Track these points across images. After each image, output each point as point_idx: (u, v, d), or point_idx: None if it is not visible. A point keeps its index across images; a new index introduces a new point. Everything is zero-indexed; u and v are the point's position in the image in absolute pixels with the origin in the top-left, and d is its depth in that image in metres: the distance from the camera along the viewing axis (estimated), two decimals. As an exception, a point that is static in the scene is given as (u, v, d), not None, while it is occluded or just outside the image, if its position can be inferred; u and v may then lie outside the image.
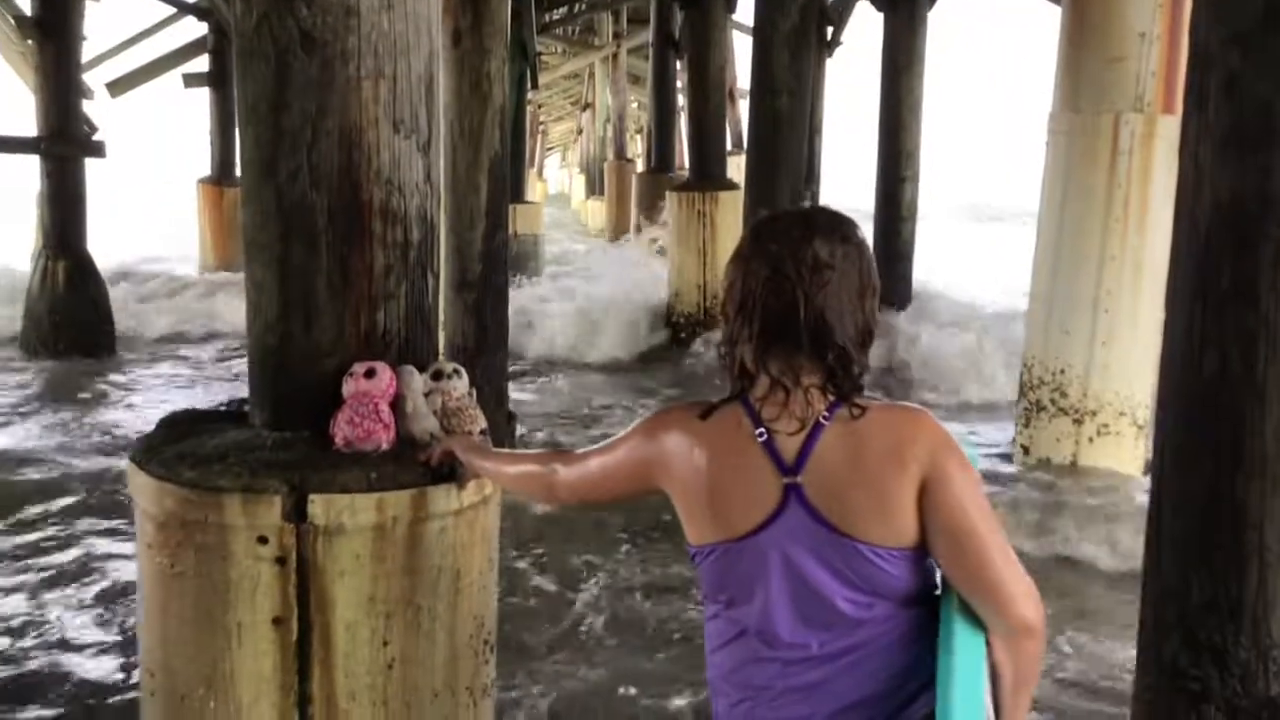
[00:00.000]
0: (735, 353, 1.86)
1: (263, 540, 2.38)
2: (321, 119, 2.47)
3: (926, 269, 12.88)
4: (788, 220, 1.90)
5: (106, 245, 12.85)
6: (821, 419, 1.81)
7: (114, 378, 10.34)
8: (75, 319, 10.99)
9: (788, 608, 1.85)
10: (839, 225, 1.87)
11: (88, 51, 12.62)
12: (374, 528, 2.42)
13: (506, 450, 2.51)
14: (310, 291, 2.53)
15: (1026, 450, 7.51)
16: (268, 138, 2.50)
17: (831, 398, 1.82)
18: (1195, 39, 2.62)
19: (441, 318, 8.17)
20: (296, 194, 2.50)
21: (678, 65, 17.11)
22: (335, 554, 2.41)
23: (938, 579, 1.90)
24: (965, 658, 1.81)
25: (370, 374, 2.51)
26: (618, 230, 22.51)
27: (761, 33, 7.93)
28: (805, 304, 1.78)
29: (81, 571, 5.53)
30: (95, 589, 5.30)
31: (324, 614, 2.42)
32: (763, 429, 1.84)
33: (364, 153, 2.50)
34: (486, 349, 7.40)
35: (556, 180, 65.02)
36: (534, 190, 33.48)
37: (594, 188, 32.38)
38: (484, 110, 7.02)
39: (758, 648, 1.89)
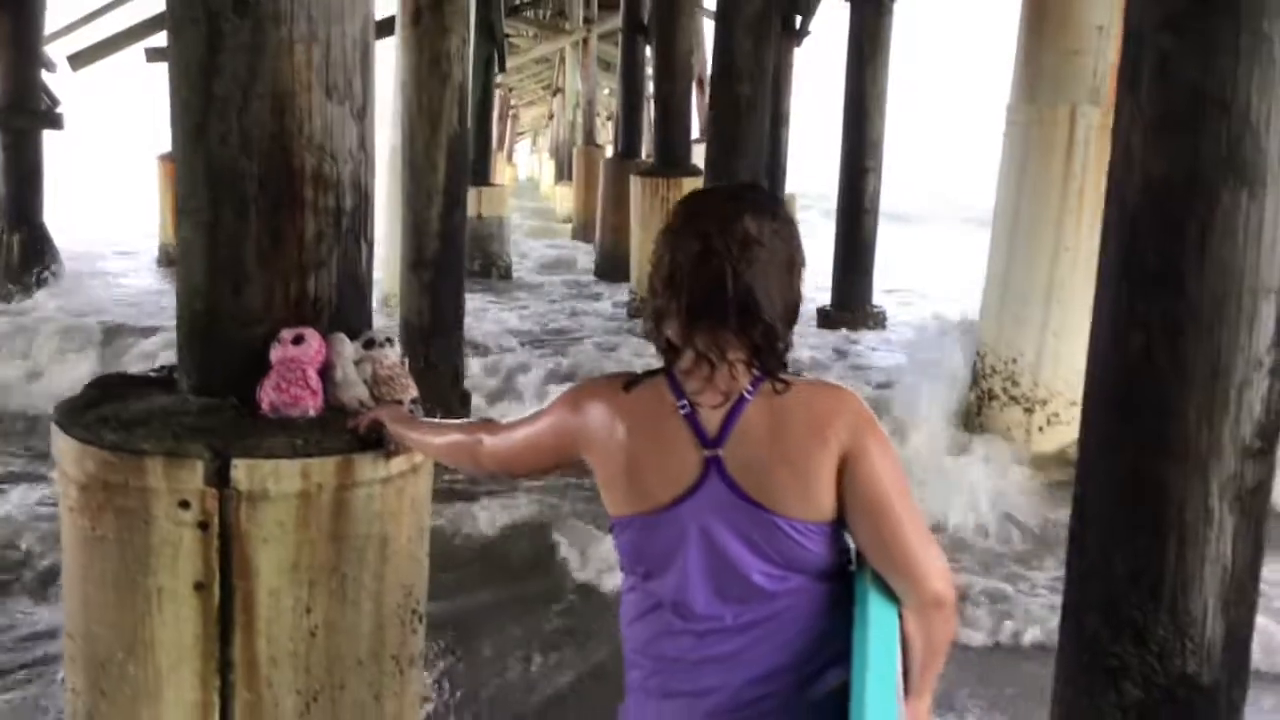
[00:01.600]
0: (662, 326, 1.87)
1: (184, 505, 2.37)
2: (253, 83, 2.45)
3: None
4: (719, 196, 1.92)
5: (68, 221, 12.71)
6: (745, 394, 1.83)
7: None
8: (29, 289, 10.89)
9: (703, 580, 1.86)
10: (769, 203, 1.89)
11: (51, 24, 12.47)
12: (299, 494, 2.41)
13: (434, 420, 2.50)
14: (239, 257, 2.51)
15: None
16: (198, 102, 2.47)
17: (756, 373, 1.84)
18: (1129, 23, 2.65)
19: (397, 295, 8.15)
20: (227, 159, 2.48)
21: (647, 51, 17.08)
22: (259, 520, 2.40)
23: (853, 554, 1.92)
24: (878, 630, 1.83)
25: (299, 340, 2.49)
26: (585, 217, 22.46)
27: (724, 18, 7.91)
28: (733, 280, 1.79)
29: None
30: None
31: (246, 580, 2.41)
32: (685, 402, 1.85)
33: (295, 118, 2.48)
34: (442, 328, 7.39)
35: (527, 165, 64.77)
36: (503, 174, 33.34)
37: (563, 173, 32.29)
38: (443, 89, 6.99)
39: (672, 620, 1.90)
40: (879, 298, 12.55)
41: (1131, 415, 2.59)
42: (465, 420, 2.33)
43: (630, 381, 1.92)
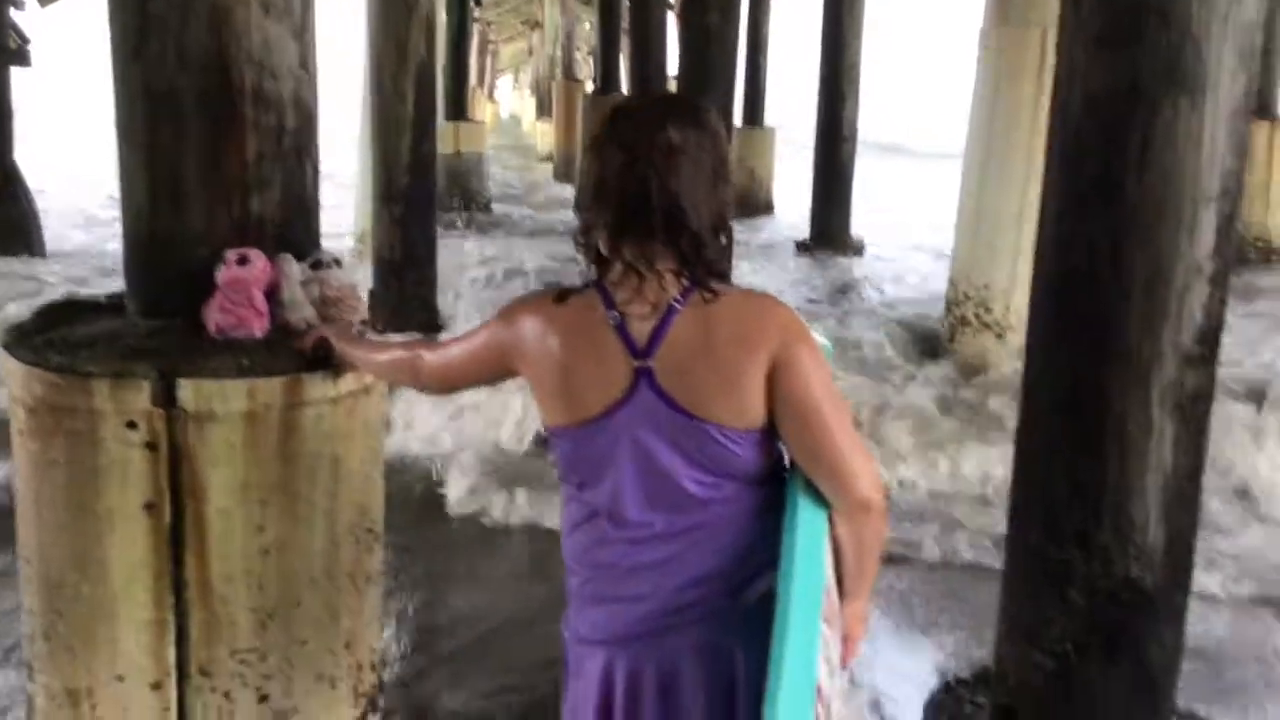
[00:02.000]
0: (591, 239, 1.87)
1: (132, 425, 2.37)
2: (189, 0, 2.42)
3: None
4: (643, 107, 1.93)
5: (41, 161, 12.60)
6: (674, 303, 1.83)
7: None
8: (3, 226, 10.83)
9: (636, 489, 1.88)
10: (694, 112, 1.88)
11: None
12: (246, 414, 2.42)
13: (378, 338, 2.51)
14: (180, 177, 2.50)
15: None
16: (135, 22, 2.45)
17: (685, 283, 1.84)
18: (1072, -65, 2.63)
19: (365, 228, 8.13)
20: (165, 78, 2.46)
21: (625, -18, 16.89)
22: (207, 440, 2.41)
23: (786, 460, 1.95)
24: (807, 533, 1.86)
25: (243, 261, 2.49)
26: (566, 153, 22.31)
27: (693, -55, 7.83)
28: (658, 189, 1.79)
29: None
30: None
31: (197, 500, 2.42)
32: (616, 313, 1.85)
33: (234, 34, 2.46)
34: (415, 261, 7.38)
35: (509, 102, 64.15)
36: (484, 112, 33.05)
37: (544, 109, 32.00)
38: (409, 16, 6.93)
39: (607, 528, 1.93)
40: (858, 228, 12.56)
41: (1074, 325, 2.61)
42: (406, 338, 2.35)
43: (562, 294, 1.92)
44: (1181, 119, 2.45)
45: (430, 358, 2.20)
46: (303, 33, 2.58)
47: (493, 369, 2.07)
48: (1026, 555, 2.77)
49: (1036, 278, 2.74)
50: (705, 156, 1.83)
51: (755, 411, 1.83)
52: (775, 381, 1.81)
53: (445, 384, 2.23)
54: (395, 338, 2.41)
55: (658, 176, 1.79)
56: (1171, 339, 2.53)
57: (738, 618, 1.89)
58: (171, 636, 2.47)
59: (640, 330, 1.84)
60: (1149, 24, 2.45)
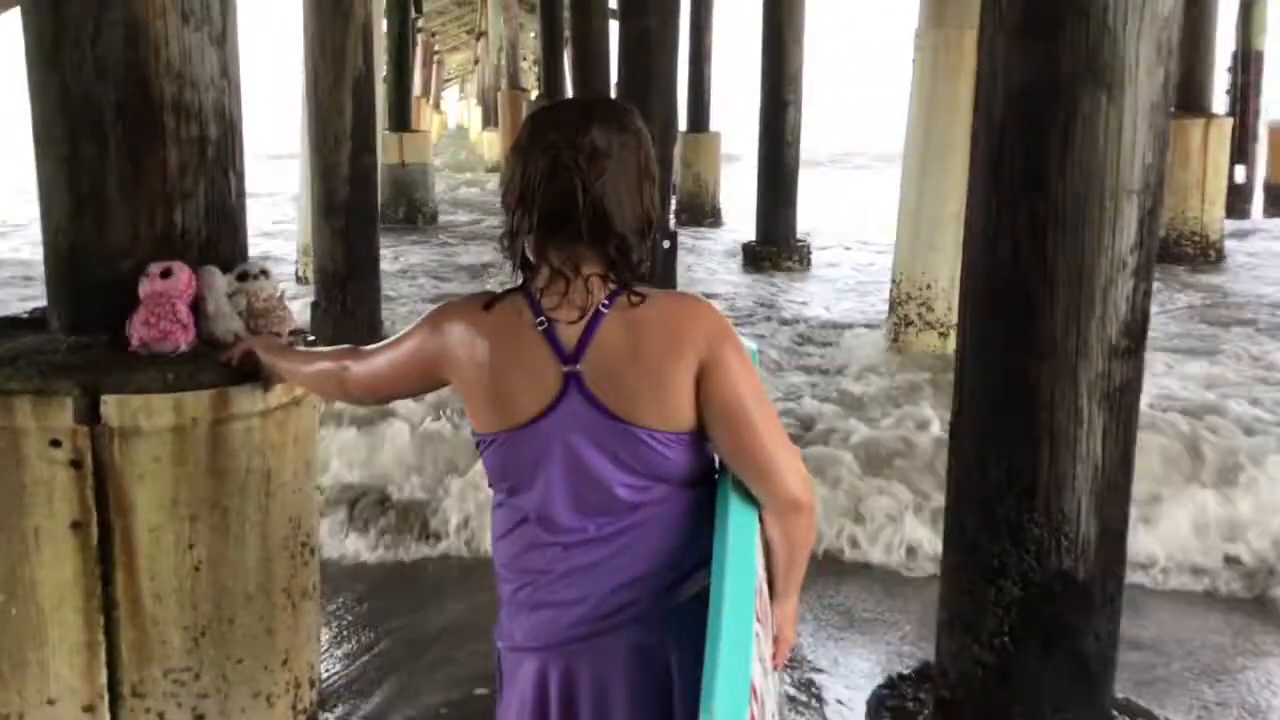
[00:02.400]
0: (516, 244, 1.86)
1: (55, 443, 2.34)
2: (105, 9, 2.39)
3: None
4: (566, 110, 1.91)
5: None
6: (601, 307, 1.82)
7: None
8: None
9: (567, 493, 1.87)
10: (617, 114, 1.87)
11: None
12: (172, 429, 2.39)
13: (304, 349, 2.48)
14: (101, 190, 2.47)
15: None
16: (50, 28, 2.42)
17: (612, 286, 1.84)
18: (991, -70, 2.66)
19: (309, 242, 8.05)
20: (82, 88, 2.42)
21: (566, -10, 16.87)
22: (133, 456, 2.37)
23: (716, 462, 1.95)
24: (738, 534, 1.85)
25: (167, 274, 2.46)
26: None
27: (631, -51, 7.84)
28: (583, 193, 1.78)
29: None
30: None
31: (124, 517, 2.39)
32: (543, 318, 1.84)
33: (151, 44, 2.43)
34: (357, 273, 7.32)
35: (456, 112, 63.91)
36: (429, 121, 32.89)
37: (490, 119, 31.94)
38: (345, 26, 6.88)
39: (538, 533, 1.92)
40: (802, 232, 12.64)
41: (1002, 318, 2.64)
42: (333, 348, 2.32)
43: (490, 301, 1.90)
44: (1101, 113, 2.48)
45: (356, 368, 2.17)
46: (224, 41, 2.55)
47: (420, 379, 2.04)
48: (962, 549, 2.79)
49: (965, 273, 2.77)
50: (629, 157, 1.83)
51: (684, 414, 1.83)
52: (703, 383, 1.81)
53: (373, 395, 2.20)
54: (323, 348, 2.38)
55: (582, 180, 1.78)
56: (1098, 332, 2.56)
57: (671, 619, 1.88)
58: (103, 658, 2.44)
59: (568, 335, 1.83)
60: (1067, 18, 2.48)
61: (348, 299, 7.30)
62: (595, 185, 1.78)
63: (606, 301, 1.83)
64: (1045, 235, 2.54)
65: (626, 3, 7.74)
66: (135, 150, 2.46)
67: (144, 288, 2.45)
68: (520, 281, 1.90)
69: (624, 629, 1.88)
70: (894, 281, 7.73)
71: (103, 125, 2.43)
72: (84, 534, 2.38)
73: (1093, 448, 2.62)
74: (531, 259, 1.85)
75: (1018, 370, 2.62)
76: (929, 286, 7.40)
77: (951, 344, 7.38)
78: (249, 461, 2.50)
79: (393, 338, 2.09)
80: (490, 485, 2.01)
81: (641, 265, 1.85)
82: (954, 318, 7.29)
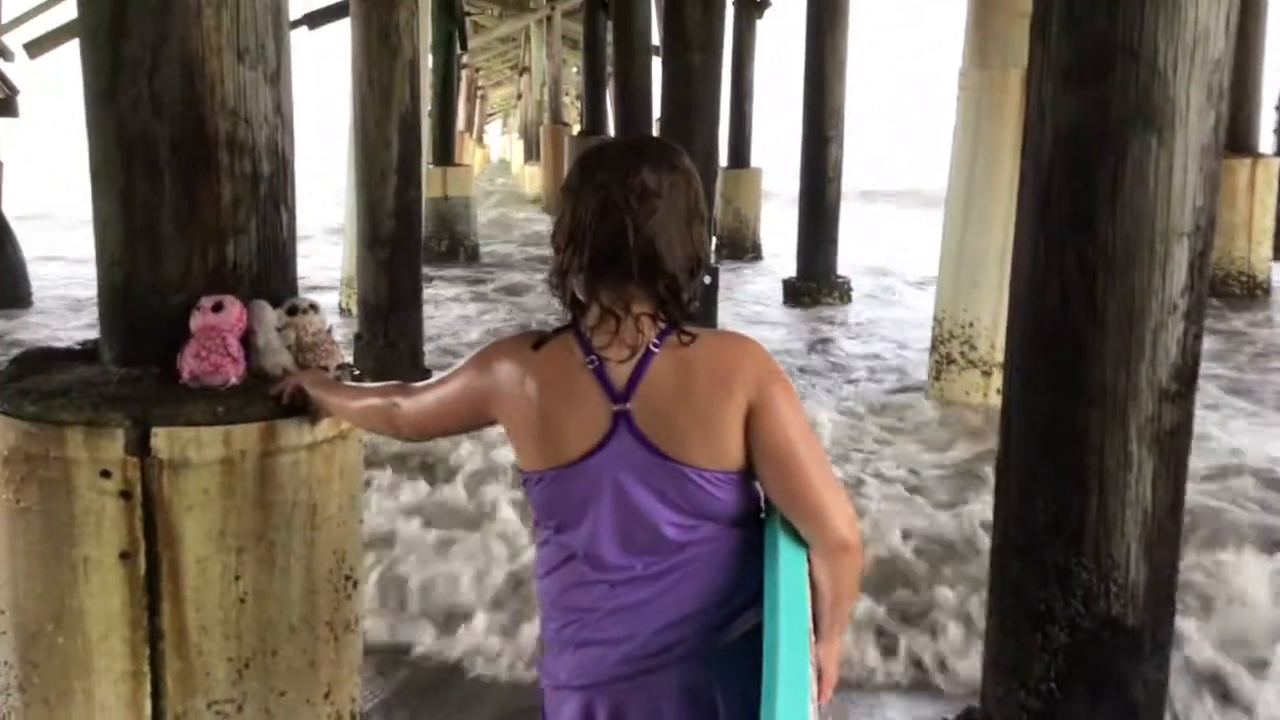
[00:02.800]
0: (567, 283, 1.87)
1: (106, 474, 2.36)
2: (162, 46, 2.43)
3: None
4: (616, 150, 1.92)
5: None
6: (651, 347, 1.84)
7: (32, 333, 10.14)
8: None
9: (614, 531, 1.88)
10: (667, 154, 1.88)
11: (7, 13, 12.33)
12: (221, 461, 2.41)
13: (353, 385, 2.50)
14: (155, 225, 2.50)
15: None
16: (107, 65, 2.46)
17: (661, 325, 1.85)
18: (1040, -26, 2.66)
19: (353, 274, 8.13)
20: (138, 124, 2.46)
21: (609, 27, 17.01)
22: (182, 488, 2.39)
23: (763, 501, 1.94)
24: (789, 574, 1.85)
25: (218, 308, 2.49)
26: (553, 196, 22.39)
27: (675, -13, 7.90)
28: (634, 232, 1.79)
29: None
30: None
31: (172, 548, 2.41)
32: (594, 357, 1.85)
33: (207, 82, 2.47)
34: (400, 305, 7.37)
35: (499, 146, 64.49)
36: (474, 156, 33.21)
37: (532, 153, 32.18)
38: (393, 63, 6.96)
39: (585, 571, 1.92)
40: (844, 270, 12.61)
41: (1050, 362, 2.62)
42: (382, 384, 2.33)
43: (539, 340, 1.92)
44: (1151, 156, 2.47)
45: (406, 405, 2.18)
46: (278, 79, 2.59)
47: (469, 417, 2.06)
48: (1008, 593, 2.76)
49: (1013, 315, 2.75)
50: (679, 197, 1.84)
51: (733, 454, 1.83)
52: (752, 424, 1.82)
53: (421, 433, 2.22)
54: (371, 384, 2.40)
55: (633, 219, 1.79)
56: (1148, 375, 2.53)
57: (718, 659, 1.87)
58: (148, 688, 2.45)
59: (618, 373, 1.84)
60: (1117, 61, 2.47)
61: (390, 331, 7.36)
62: (646, 225, 1.80)
63: (656, 341, 1.84)
64: (1095, 277, 2.53)
65: (671, 39, 7.79)
66: (190, 186, 2.49)
67: (196, 321, 2.48)
68: (570, 320, 1.91)
69: (671, 668, 1.88)
70: (936, 319, 7.68)
71: (158, 161, 2.47)
72: (132, 564, 2.40)
73: (1142, 492, 2.58)
74: (581, 298, 1.86)
75: (1066, 413, 2.59)
76: (971, 325, 7.35)
77: (994, 382, 7.38)
78: (295, 494, 2.51)
79: (441, 375, 2.11)
80: (536, 522, 2.02)
81: (691, 304, 1.86)
82: (997, 356, 7.30)
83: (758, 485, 1.92)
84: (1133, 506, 2.58)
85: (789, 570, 1.86)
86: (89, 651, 2.44)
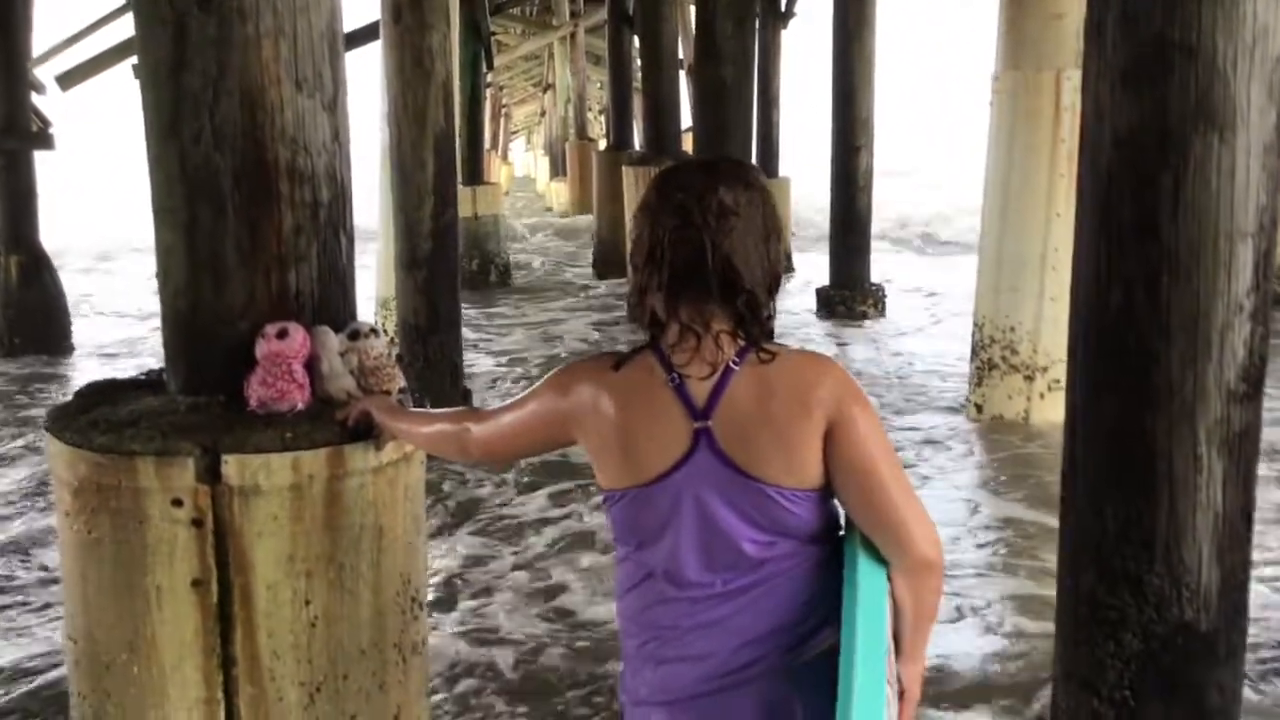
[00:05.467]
0: (646, 302, 1.90)
1: (177, 503, 2.38)
2: (222, 79, 2.46)
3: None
4: (692, 170, 1.94)
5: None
6: (731, 364, 1.86)
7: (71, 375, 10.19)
8: (30, 314, 10.85)
9: (694, 549, 1.90)
10: (742, 172, 1.92)
11: (38, 47, 12.48)
12: (290, 487, 2.42)
13: (421, 410, 2.52)
14: (219, 254, 2.52)
15: (980, 409, 7.58)
16: (169, 100, 2.48)
17: (741, 343, 1.86)
18: (1094, -26, 2.65)
19: (388, 295, 8.17)
20: (200, 156, 2.48)
21: (635, 42, 17.06)
22: (252, 515, 2.41)
23: (842, 519, 1.95)
24: (868, 592, 1.86)
25: (283, 334, 2.50)
26: (580, 211, 22.50)
27: (704, 3, 7.92)
28: (712, 250, 1.81)
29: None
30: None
31: (244, 575, 2.42)
32: (675, 375, 1.87)
33: (267, 112, 2.49)
34: (439, 327, 7.40)
35: (523, 164, 64.76)
36: (499, 173, 33.34)
37: (557, 169, 32.29)
38: (427, 86, 7.00)
39: (665, 588, 1.94)
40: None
41: (1116, 367, 2.60)
42: (451, 409, 2.35)
43: (618, 361, 1.94)
44: (1213, 156, 2.45)
45: (478, 430, 2.19)
46: (334, 107, 2.61)
47: (546, 439, 2.08)
48: (1079, 601, 2.73)
49: (1074, 319, 2.73)
50: (755, 215, 1.87)
51: (812, 471, 1.85)
52: (831, 442, 1.83)
53: (493, 457, 2.23)
54: (440, 410, 2.42)
55: (711, 238, 1.82)
56: (1215, 376, 2.51)
57: (798, 675, 1.89)
58: (222, 715, 2.46)
59: (699, 391, 1.86)
60: (1175, 60, 2.46)
61: (430, 352, 7.38)
62: (724, 243, 1.82)
63: (736, 359, 1.86)
64: (1158, 280, 2.51)
65: (702, 53, 7.80)
66: (251, 215, 2.51)
67: (261, 348, 2.50)
68: (647, 340, 1.93)
69: (751, 684, 1.90)
70: (976, 325, 7.64)
71: (220, 192, 2.49)
72: (204, 591, 2.42)
73: (1213, 495, 2.56)
74: (660, 316, 1.88)
75: (1132, 418, 2.57)
76: (1013, 329, 7.30)
77: (1036, 387, 7.34)
78: (362, 518, 2.52)
79: (516, 398, 2.13)
80: (616, 540, 2.04)
81: (770, 321, 1.89)
82: (1040, 360, 7.27)
83: (835, 503, 1.92)
84: (1203, 510, 2.56)
85: (868, 588, 1.86)
86: (163, 680, 2.45)
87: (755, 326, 1.86)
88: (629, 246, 1.97)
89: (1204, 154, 2.45)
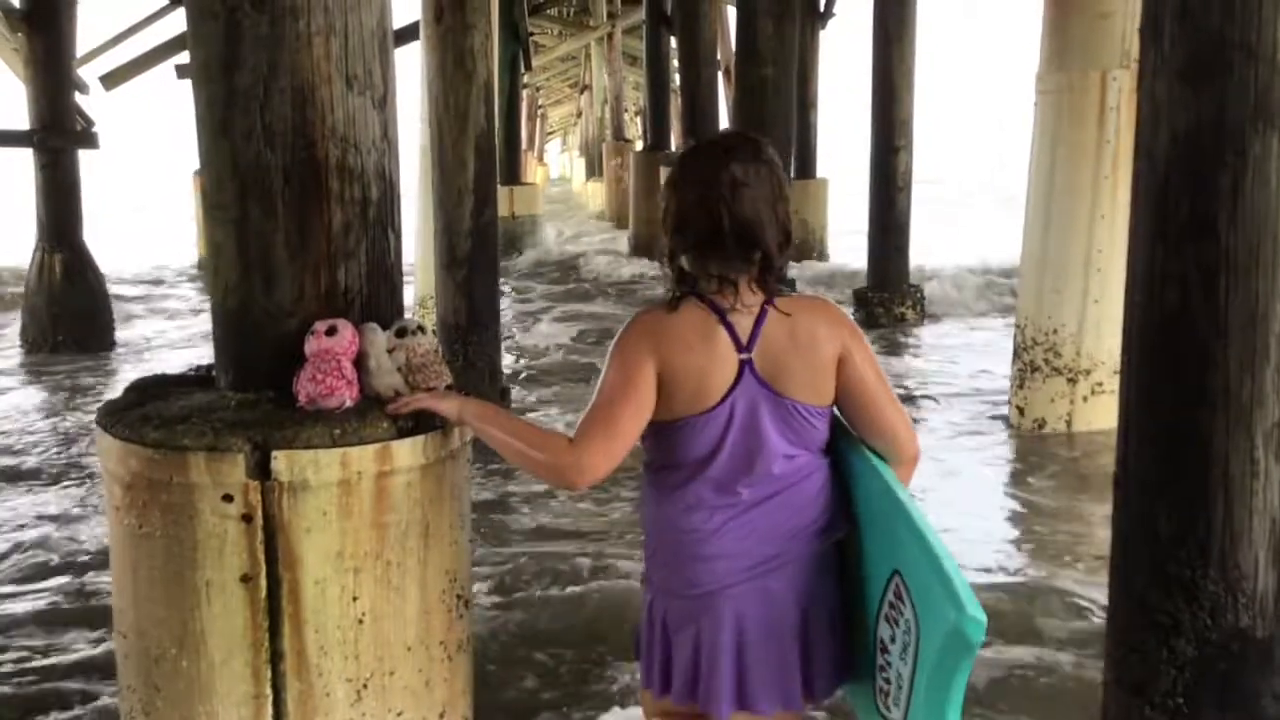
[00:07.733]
0: (676, 261, 2.31)
1: (228, 498, 2.39)
2: (274, 77, 2.47)
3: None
4: (710, 149, 2.33)
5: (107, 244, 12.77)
6: (766, 305, 2.28)
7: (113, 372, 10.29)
8: (73, 312, 10.98)
9: (738, 462, 2.29)
10: (751, 147, 2.27)
11: (83, 46, 12.61)
12: (339, 483, 2.43)
13: (510, 416, 2.59)
14: (269, 252, 2.54)
15: (1022, 411, 7.51)
16: (220, 97, 2.50)
17: (762, 291, 2.28)
18: (1150, -28, 2.61)
19: (433, 295, 8.20)
20: (251, 154, 2.50)
21: (672, 43, 17.05)
22: (301, 510, 2.42)
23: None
24: (887, 473, 2.33)
25: (332, 331, 2.51)
26: (617, 212, 22.48)
27: (745, 2, 7.90)
28: (729, 217, 2.20)
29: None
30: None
31: (292, 570, 2.43)
32: (723, 315, 2.27)
33: (318, 110, 2.50)
34: (478, 325, 7.43)
35: (558, 164, 64.91)
36: (534, 174, 33.44)
37: (593, 170, 32.34)
38: (469, 86, 7.03)
39: (709, 496, 2.32)
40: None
41: (1171, 369, 2.55)
42: (543, 431, 2.43)
43: (670, 305, 2.29)
44: (1273, 156, 2.40)
45: (590, 458, 2.25)
46: (384, 104, 2.61)
47: (651, 404, 2.28)
48: (1131, 607, 2.69)
49: (1128, 320, 2.69)
50: (764, 184, 2.23)
51: (827, 391, 2.32)
52: (842, 368, 2.31)
53: (612, 459, 2.28)
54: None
55: (727, 207, 2.20)
56: (1273, 379, 2.46)
57: (811, 563, 2.36)
58: (269, 711, 2.47)
59: (742, 327, 2.27)
60: (1234, 59, 2.42)
61: (469, 350, 7.41)
62: (738, 210, 2.20)
63: (767, 302, 2.27)
64: (1216, 281, 2.47)
65: (743, 53, 7.79)
66: (302, 213, 2.52)
67: (310, 345, 2.51)
68: (685, 289, 2.29)
69: (775, 572, 2.33)
70: (1018, 326, 7.57)
71: (271, 189, 2.51)
72: (253, 587, 2.43)
73: (1270, 500, 2.51)
74: (692, 273, 2.29)
75: (1188, 420, 2.53)
76: (1055, 331, 7.23)
77: (1080, 390, 7.26)
78: (410, 514, 2.53)
79: (602, 398, 2.28)
80: (651, 464, 2.41)
81: (783, 272, 2.32)
82: (1083, 363, 7.18)
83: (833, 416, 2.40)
84: (1260, 515, 2.51)
85: (885, 470, 2.33)
86: (211, 675, 2.47)
87: (770, 277, 2.26)
88: (661, 218, 2.35)
89: (1263, 154, 2.41)
